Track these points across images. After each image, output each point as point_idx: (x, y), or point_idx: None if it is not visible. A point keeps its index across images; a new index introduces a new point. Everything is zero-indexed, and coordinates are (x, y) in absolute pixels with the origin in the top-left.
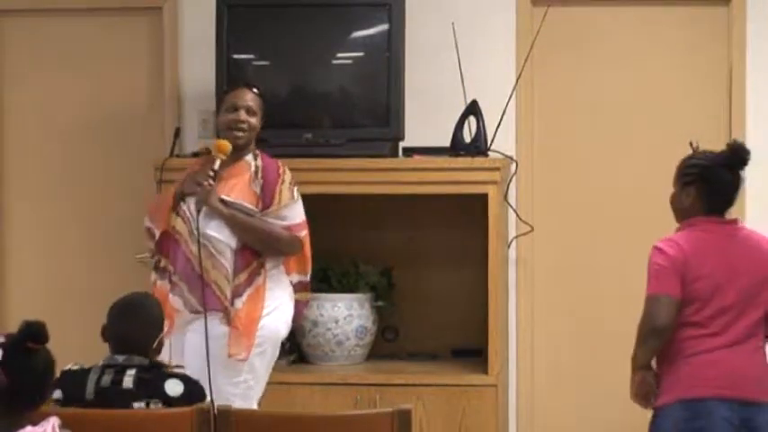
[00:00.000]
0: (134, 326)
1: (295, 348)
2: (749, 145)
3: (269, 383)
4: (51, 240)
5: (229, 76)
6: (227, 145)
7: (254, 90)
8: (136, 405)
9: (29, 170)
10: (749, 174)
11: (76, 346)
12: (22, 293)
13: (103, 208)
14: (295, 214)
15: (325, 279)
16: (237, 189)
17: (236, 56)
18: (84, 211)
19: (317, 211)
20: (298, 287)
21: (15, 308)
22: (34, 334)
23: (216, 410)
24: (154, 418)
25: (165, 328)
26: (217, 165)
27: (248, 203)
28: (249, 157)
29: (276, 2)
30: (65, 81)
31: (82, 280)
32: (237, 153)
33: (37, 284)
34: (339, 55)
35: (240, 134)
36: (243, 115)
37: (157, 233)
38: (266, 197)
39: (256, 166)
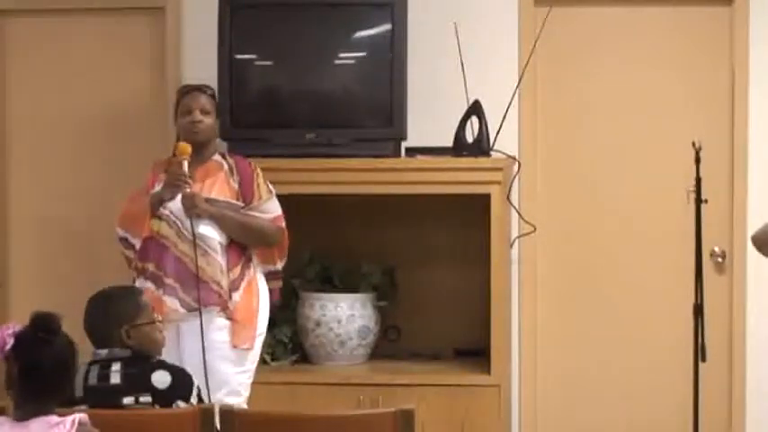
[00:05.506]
0: (97, 318)
1: (298, 348)
2: (751, 146)
3: (271, 383)
4: (54, 239)
5: (232, 76)
6: (187, 146)
7: (208, 92)
8: (125, 400)
9: (31, 170)
10: (751, 176)
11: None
12: (24, 293)
13: (105, 207)
14: (276, 207)
15: (327, 279)
16: (217, 187)
17: (238, 56)
18: (86, 210)
19: (320, 211)
20: (277, 275)
21: (19, 307)
22: (43, 325)
23: (219, 411)
24: (157, 418)
25: (144, 321)
26: (185, 167)
27: (231, 200)
28: (217, 157)
29: (279, 2)
30: (67, 81)
31: (84, 280)
32: (203, 154)
33: (39, 283)
34: (342, 55)
35: (198, 134)
36: (198, 116)
37: (137, 242)
38: (245, 193)
39: (229, 164)
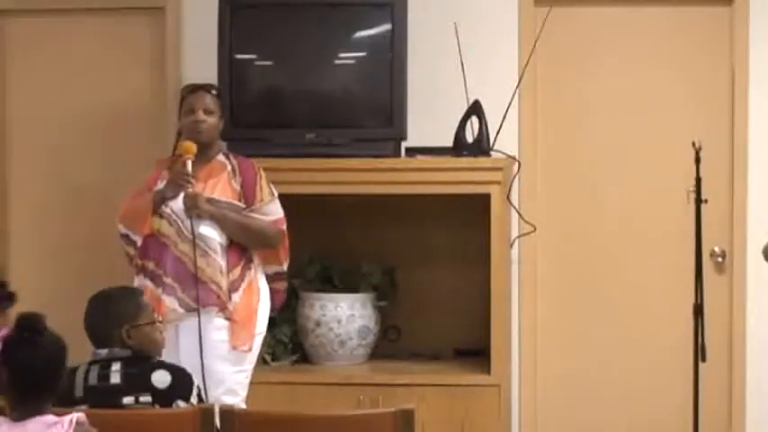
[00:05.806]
0: (97, 318)
1: (298, 348)
2: (751, 146)
3: (271, 383)
4: (54, 239)
5: (232, 76)
6: (192, 146)
7: (212, 92)
8: (125, 400)
9: (31, 170)
10: (751, 176)
11: (78, 344)
12: (24, 292)
13: (105, 207)
14: (277, 209)
15: (327, 279)
16: (219, 188)
17: (238, 56)
18: (86, 210)
19: (320, 211)
20: (283, 276)
21: (18, 307)
22: (28, 326)
23: (219, 410)
24: (157, 418)
25: (144, 321)
26: (189, 166)
27: (233, 201)
28: (221, 157)
29: (279, 2)
30: (67, 81)
31: (84, 279)
32: (207, 153)
33: (39, 283)
34: (342, 55)
35: (201, 134)
36: (201, 115)
37: (138, 239)
38: (247, 194)
39: (232, 165)
